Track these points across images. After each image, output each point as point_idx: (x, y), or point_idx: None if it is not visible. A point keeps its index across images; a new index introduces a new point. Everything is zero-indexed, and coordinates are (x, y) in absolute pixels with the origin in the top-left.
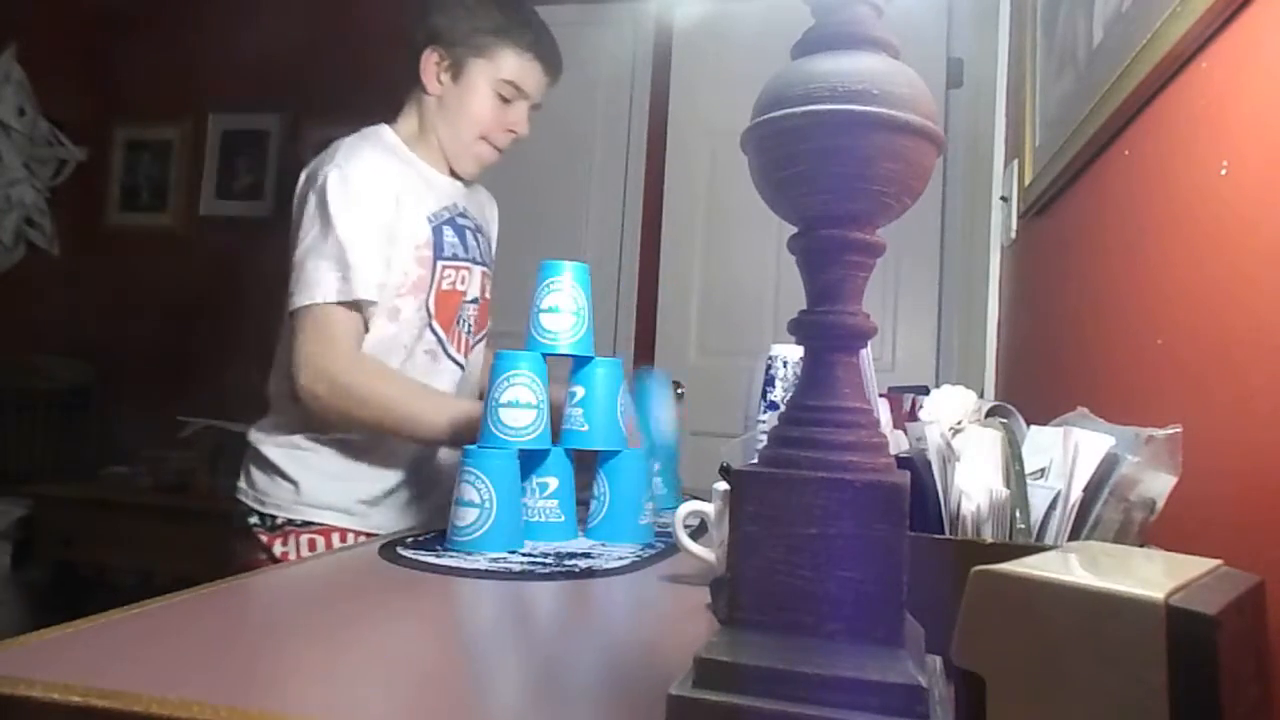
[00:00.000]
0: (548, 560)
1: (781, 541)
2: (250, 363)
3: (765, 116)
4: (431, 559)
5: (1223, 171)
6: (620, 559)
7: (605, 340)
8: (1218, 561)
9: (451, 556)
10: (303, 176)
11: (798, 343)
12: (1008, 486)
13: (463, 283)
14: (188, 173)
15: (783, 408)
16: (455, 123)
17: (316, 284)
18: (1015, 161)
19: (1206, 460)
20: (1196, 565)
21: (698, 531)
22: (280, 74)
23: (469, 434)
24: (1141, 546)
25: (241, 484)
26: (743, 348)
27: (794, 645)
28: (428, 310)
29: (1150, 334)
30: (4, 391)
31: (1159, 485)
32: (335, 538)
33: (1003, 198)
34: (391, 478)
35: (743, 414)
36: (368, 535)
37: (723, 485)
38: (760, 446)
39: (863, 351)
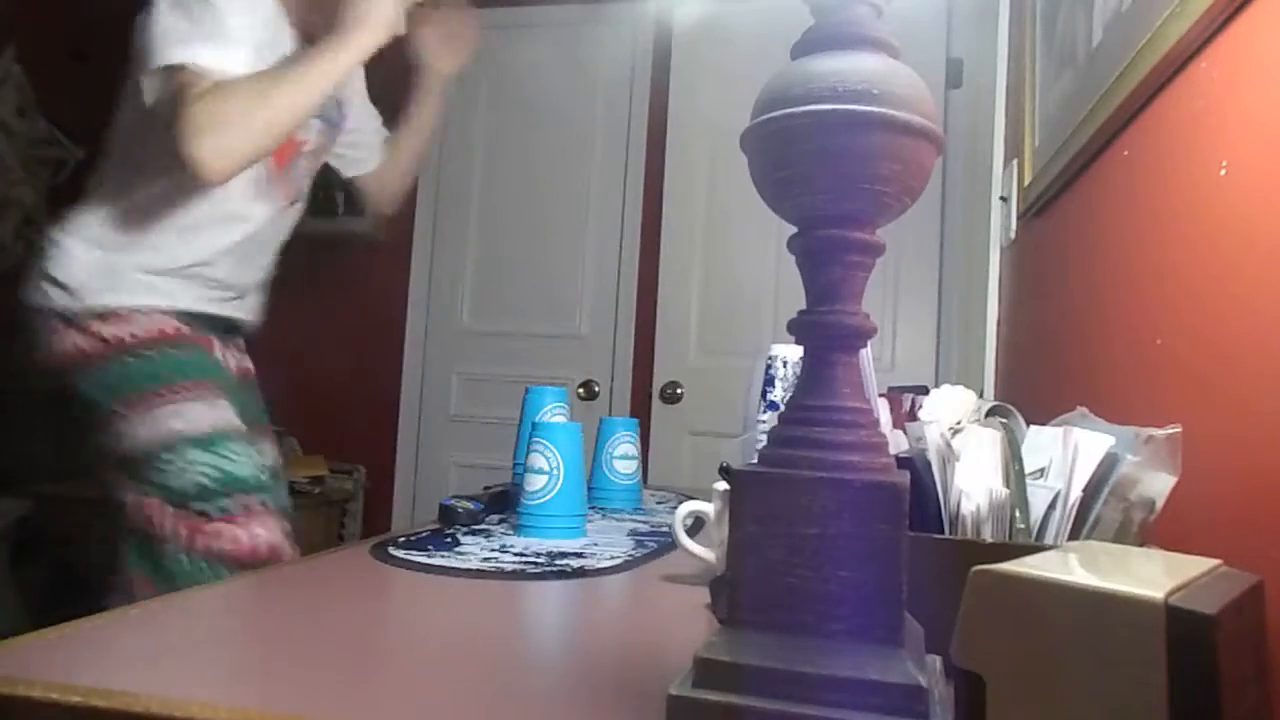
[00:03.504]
0: (539, 560)
1: (781, 541)
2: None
3: (765, 116)
4: (423, 559)
5: (1222, 171)
6: (612, 559)
7: (604, 343)
8: (1218, 561)
9: (443, 556)
10: None
11: (797, 343)
12: (1008, 486)
13: (302, 130)
14: None
15: (783, 408)
16: None
17: (186, 41)
18: (1015, 161)
19: (1206, 460)
20: (1196, 565)
21: (694, 530)
22: None
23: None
24: (1141, 546)
25: (42, 285)
26: (743, 348)
27: (794, 645)
28: None
29: (1150, 334)
30: (4, 391)
31: (1159, 485)
32: (157, 325)
33: (1002, 198)
34: (196, 248)
35: (743, 414)
36: (180, 315)
37: (723, 485)
38: (760, 446)
39: (863, 351)
